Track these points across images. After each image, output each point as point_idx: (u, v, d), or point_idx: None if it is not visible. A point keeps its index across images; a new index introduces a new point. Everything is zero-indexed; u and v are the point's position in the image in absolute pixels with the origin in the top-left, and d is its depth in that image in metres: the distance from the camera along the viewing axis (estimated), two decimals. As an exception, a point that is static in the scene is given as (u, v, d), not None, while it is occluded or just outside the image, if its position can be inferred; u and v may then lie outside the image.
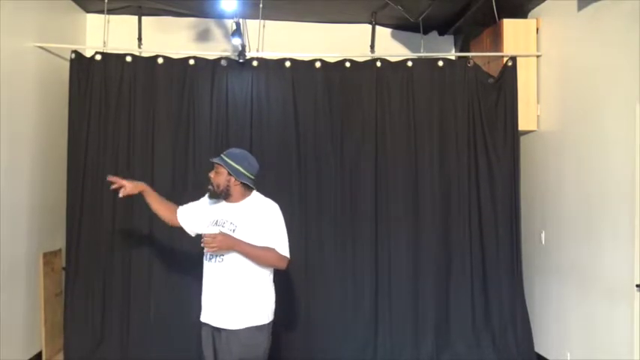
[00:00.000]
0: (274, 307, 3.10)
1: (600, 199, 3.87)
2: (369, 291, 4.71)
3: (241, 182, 3.05)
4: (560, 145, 4.41)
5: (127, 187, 3.33)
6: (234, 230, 2.98)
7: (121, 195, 3.32)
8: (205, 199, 3.26)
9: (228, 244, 2.91)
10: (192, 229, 3.30)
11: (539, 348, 4.67)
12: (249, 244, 2.95)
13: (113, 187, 3.35)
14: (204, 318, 3.08)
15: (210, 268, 3.04)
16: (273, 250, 2.98)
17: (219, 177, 3.05)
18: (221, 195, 3.07)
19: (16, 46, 4.18)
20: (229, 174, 3.03)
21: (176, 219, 3.31)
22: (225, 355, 2.96)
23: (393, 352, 4.66)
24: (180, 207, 3.34)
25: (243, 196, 3.08)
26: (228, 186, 3.04)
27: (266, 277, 3.06)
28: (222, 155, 3.11)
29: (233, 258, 2.96)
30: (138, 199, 4.54)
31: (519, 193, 4.79)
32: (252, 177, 3.09)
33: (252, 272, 2.99)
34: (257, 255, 2.97)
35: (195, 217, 3.25)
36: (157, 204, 3.38)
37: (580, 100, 4.16)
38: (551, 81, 4.60)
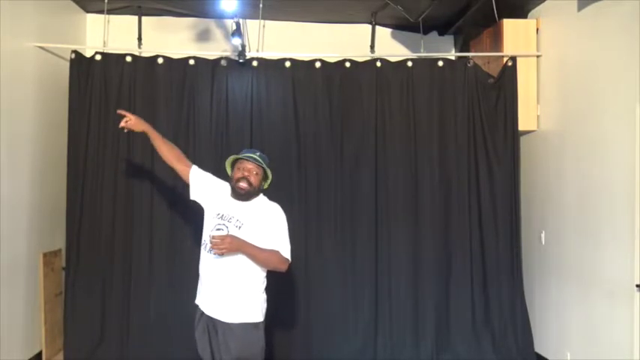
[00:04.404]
0: (266, 306, 3.13)
1: (600, 199, 3.87)
2: (369, 291, 4.71)
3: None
4: (560, 145, 4.41)
5: (132, 119, 3.38)
6: (240, 227, 3.02)
7: (122, 125, 3.39)
8: (219, 181, 3.30)
9: (237, 246, 2.95)
10: (195, 193, 3.32)
11: (539, 348, 4.67)
12: (255, 246, 2.99)
13: (121, 124, 3.41)
14: (200, 301, 3.12)
15: (208, 260, 3.08)
16: (278, 252, 3.03)
17: (258, 179, 3.12)
18: (245, 195, 3.10)
19: (16, 46, 4.18)
20: (262, 179, 3.15)
21: (187, 174, 3.33)
22: (224, 353, 2.98)
23: (393, 353, 4.66)
24: (196, 167, 3.37)
25: (253, 197, 3.16)
26: (257, 189, 3.14)
27: (261, 275, 3.09)
28: (262, 160, 3.13)
29: (232, 253, 2.98)
30: (137, 198, 4.62)
31: (519, 193, 4.79)
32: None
33: (249, 268, 3.02)
34: (262, 257, 3.02)
35: (206, 187, 3.29)
36: (164, 145, 3.42)
37: (580, 100, 4.17)
38: (551, 81, 4.60)
